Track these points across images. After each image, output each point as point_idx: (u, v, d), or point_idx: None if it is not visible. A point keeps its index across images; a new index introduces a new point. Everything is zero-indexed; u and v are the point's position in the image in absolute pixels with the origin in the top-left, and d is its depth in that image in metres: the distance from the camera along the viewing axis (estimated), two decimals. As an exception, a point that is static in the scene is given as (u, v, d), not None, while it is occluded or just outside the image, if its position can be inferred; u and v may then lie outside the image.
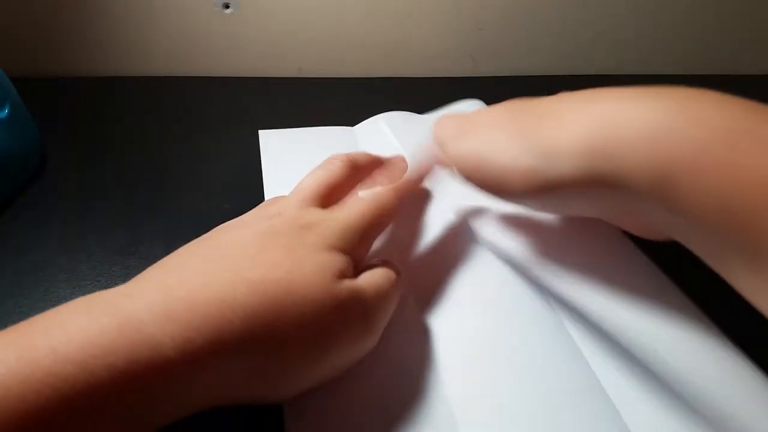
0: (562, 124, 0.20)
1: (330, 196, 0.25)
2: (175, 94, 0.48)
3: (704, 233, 0.17)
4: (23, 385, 0.14)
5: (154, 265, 0.22)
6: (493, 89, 0.43)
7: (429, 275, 0.28)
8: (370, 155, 0.29)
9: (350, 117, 0.43)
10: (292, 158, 0.37)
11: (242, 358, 0.18)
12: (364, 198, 0.25)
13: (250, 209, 0.26)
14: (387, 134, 0.39)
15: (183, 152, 0.40)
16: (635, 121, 0.18)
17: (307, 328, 0.19)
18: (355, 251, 0.23)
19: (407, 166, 0.31)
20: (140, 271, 0.21)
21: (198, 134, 0.42)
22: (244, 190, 0.34)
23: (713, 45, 0.52)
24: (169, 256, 0.22)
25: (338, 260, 0.21)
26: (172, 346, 0.16)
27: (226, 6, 0.48)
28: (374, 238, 0.25)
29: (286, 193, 0.28)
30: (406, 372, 0.23)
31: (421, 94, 0.46)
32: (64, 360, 0.15)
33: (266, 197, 0.33)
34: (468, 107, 0.43)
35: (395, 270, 0.25)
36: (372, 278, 0.23)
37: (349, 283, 0.21)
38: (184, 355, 0.17)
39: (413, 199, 0.32)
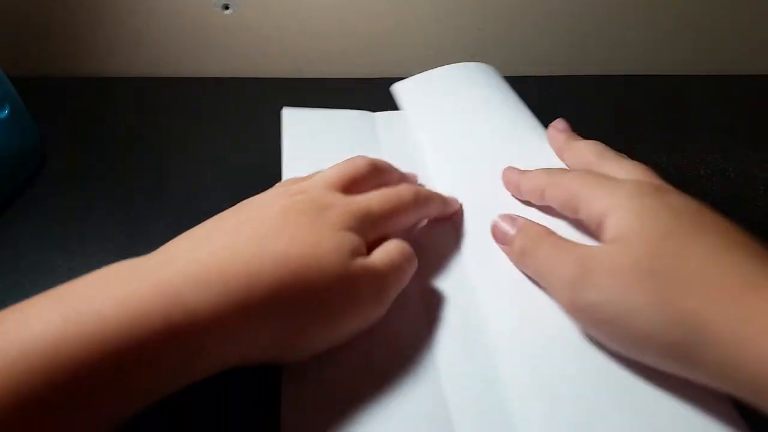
0: (713, 306, 0.18)
1: (351, 187, 0.26)
2: (175, 94, 0.48)
3: None
4: (71, 345, 0.16)
5: (182, 235, 0.23)
6: (493, 89, 0.43)
7: (429, 253, 0.28)
8: (390, 164, 0.30)
9: (350, 117, 0.43)
10: (313, 138, 0.38)
11: (267, 323, 0.20)
12: (386, 192, 0.26)
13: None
14: (408, 123, 0.40)
15: (183, 152, 0.40)
16: None
17: (324, 299, 0.21)
18: (369, 236, 0.24)
19: (417, 181, 0.32)
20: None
21: (198, 134, 0.42)
22: (244, 190, 0.34)
23: (713, 45, 0.52)
24: (195, 228, 0.24)
25: (354, 240, 0.23)
26: (205, 312, 0.18)
27: (226, 6, 0.48)
28: (391, 229, 0.26)
29: (303, 171, 0.29)
30: (400, 342, 0.24)
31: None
32: (109, 322, 0.17)
33: (284, 172, 0.34)
34: (476, 69, 0.42)
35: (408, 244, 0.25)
36: (386, 254, 0.24)
37: (362, 261, 0.23)
38: (216, 319, 0.18)
39: None
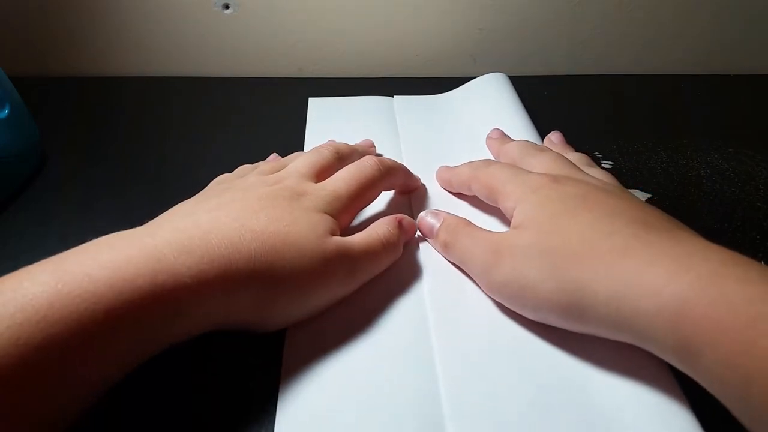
0: (591, 271, 0.21)
1: (321, 175, 0.29)
2: (175, 94, 0.48)
3: (722, 396, 0.18)
4: (64, 302, 0.17)
5: (167, 212, 0.25)
6: (493, 89, 0.43)
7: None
8: (351, 146, 0.33)
9: (350, 117, 0.43)
10: (333, 119, 0.42)
11: (244, 291, 0.22)
12: (350, 171, 0.29)
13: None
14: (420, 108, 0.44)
15: (183, 152, 0.40)
16: (662, 292, 0.19)
17: (298, 273, 0.23)
18: (341, 216, 0.27)
19: (375, 148, 0.37)
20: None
21: (197, 134, 0.42)
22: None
23: (713, 45, 0.52)
24: (180, 205, 0.26)
25: (327, 221, 0.25)
26: (188, 275, 0.20)
27: (226, 6, 0.48)
28: (360, 206, 0.29)
29: None
30: (395, 306, 0.26)
31: (421, 94, 0.46)
32: (98, 283, 0.18)
33: (306, 149, 0.38)
34: (490, 81, 0.44)
35: (399, 227, 0.28)
36: (366, 237, 0.27)
37: (337, 240, 0.25)
38: (198, 283, 0.20)
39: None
